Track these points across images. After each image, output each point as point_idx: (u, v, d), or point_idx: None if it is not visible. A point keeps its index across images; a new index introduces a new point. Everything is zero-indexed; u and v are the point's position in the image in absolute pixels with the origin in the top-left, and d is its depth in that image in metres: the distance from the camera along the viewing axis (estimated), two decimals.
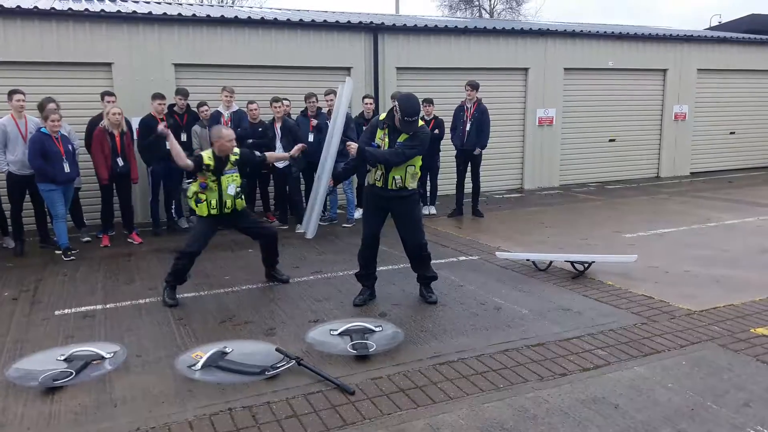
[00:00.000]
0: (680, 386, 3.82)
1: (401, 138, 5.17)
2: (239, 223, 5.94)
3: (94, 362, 4.25)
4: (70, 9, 9.18)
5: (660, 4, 50.77)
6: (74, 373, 4.04)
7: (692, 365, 4.12)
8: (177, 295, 5.64)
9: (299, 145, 6.26)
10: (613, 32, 13.54)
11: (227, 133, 5.68)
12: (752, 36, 15.44)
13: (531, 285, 6.05)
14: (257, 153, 6.21)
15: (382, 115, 5.35)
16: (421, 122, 5.26)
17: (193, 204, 5.73)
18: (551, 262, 6.61)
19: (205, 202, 5.60)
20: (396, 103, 5.18)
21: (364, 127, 6.41)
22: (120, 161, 7.72)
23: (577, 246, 7.63)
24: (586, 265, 6.33)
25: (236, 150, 5.75)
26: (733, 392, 3.73)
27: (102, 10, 9.41)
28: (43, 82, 8.85)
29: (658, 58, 14.04)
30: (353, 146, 5.18)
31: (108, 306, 5.60)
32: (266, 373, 4.01)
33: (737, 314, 5.09)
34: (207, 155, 5.60)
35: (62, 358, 4.28)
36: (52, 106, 7.40)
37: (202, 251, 5.73)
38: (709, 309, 5.23)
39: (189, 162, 5.55)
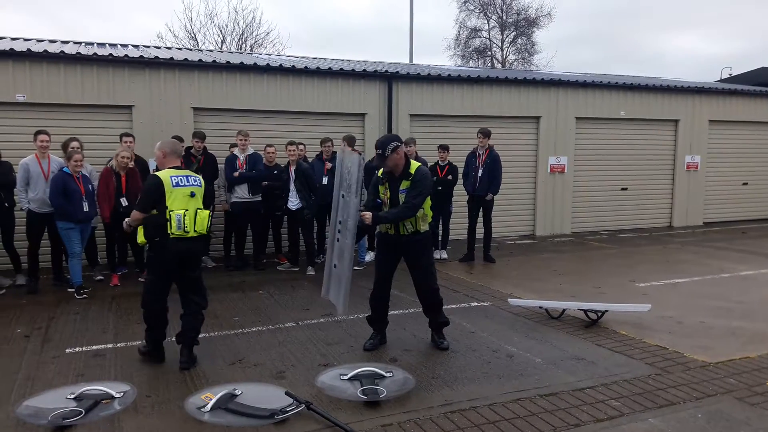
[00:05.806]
0: None
1: (403, 185, 5.25)
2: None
3: (104, 402, 4.24)
4: (95, 54, 9.49)
5: (669, 57, 51.45)
6: (84, 412, 4.03)
7: (708, 418, 4.04)
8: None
9: None
10: (624, 83, 13.73)
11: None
12: (763, 89, 15.59)
13: (544, 333, 5.99)
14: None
15: (380, 171, 5.43)
16: (417, 164, 5.32)
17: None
18: (564, 310, 6.57)
19: None
20: None
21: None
22: (123, 201, 7.80)
23: (590, 294, 7.57)
24: (600, 313, 6.29)
25: None
26: None
27: (126, 55, 9.74)
28: (67, 123, 9.12)
29: (669, 108, 14.18)
30: (368, 216, 5.14)
31: (119, 345, 5.61)
32: (275, 416, 3.98)
33: (754, 367, 5.00)
34: None
35: (72, 396, 4.28)
36: (75, 145, 7.61)
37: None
38: (725, 361, 5.14)
39: None
